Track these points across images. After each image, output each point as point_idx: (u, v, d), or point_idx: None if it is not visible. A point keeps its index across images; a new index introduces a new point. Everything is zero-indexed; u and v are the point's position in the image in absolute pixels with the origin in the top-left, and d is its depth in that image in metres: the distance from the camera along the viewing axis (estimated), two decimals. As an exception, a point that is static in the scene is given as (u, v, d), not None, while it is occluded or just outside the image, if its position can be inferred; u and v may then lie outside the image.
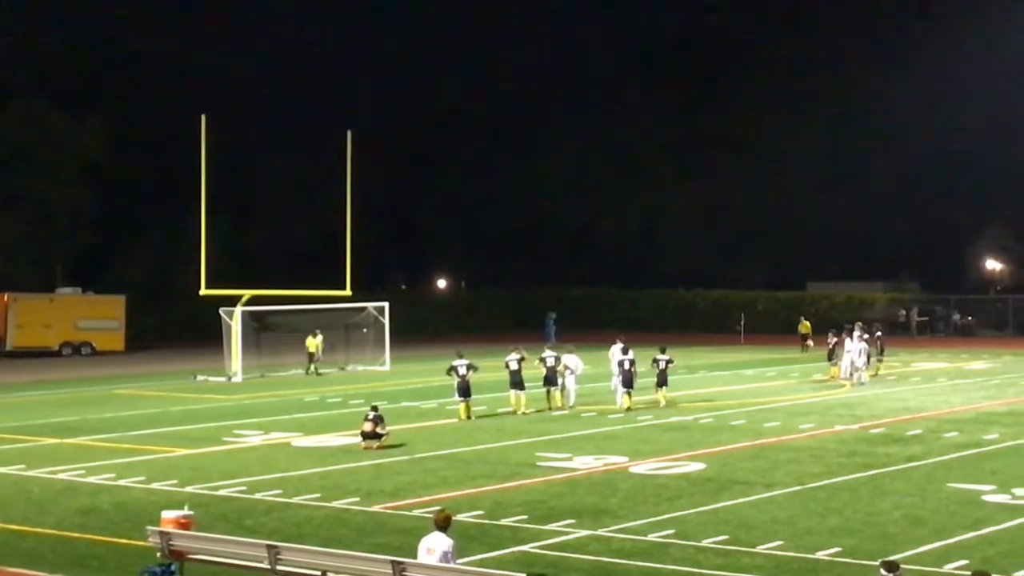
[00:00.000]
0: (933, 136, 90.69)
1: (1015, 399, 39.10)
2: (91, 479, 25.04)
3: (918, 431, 31.15)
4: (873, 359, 46.07)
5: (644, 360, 38.40)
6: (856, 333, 45.55)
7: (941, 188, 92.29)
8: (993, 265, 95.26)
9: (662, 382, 37.15)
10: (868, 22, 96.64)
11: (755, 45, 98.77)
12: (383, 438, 28.64)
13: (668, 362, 37.35)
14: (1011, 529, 19.76)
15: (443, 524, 14.41)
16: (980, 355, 58.91)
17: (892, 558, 14.55)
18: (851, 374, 44.72)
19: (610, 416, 34.62)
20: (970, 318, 77.70)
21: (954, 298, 79.08)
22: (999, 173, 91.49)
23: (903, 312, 78.21)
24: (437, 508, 16.64)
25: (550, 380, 36.35)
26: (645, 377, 38.63)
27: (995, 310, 79.18)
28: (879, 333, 47.31)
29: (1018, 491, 22.69)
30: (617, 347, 38.69)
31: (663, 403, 36.57)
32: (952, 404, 37.59)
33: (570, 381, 36.72)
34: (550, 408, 36.01)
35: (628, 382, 36.19)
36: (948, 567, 17.34)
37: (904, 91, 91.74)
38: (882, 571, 12.90)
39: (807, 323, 63.38)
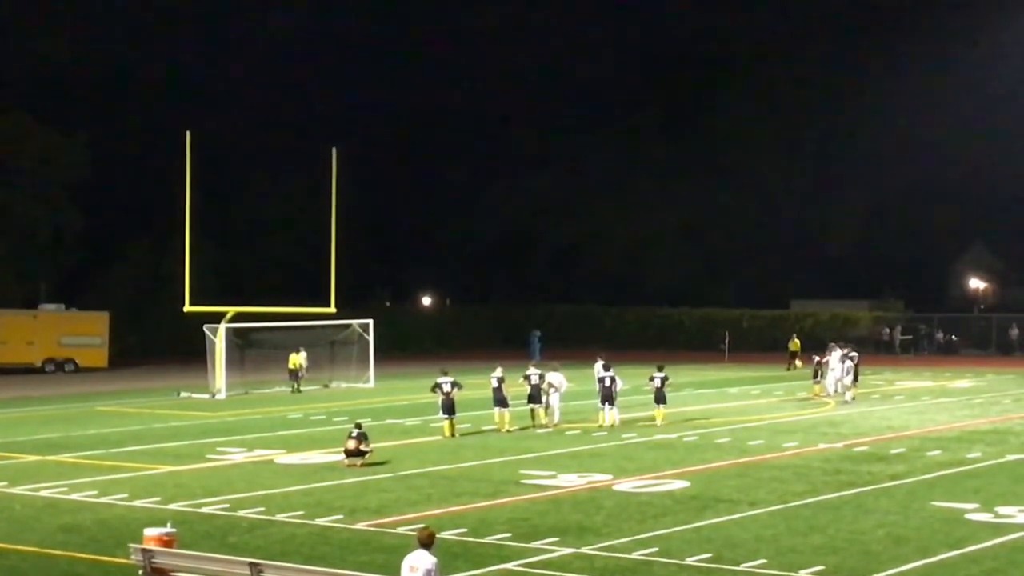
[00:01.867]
0: (917, 156, 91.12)
1: (998, 418, 39.19)
2: (73, 496, 24.94)
3: (902, 449, 31.20)
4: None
5: (632, 378, 38.31)
6: (840, 351, 45.75)
7: (925, 207, 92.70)
8: (976, 284, 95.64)
9: (660, 399, 36.93)
10: (852, 43, 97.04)
11: (740, 65, 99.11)
12: (367, 455, 28.58)
13: (664, 379, 37.08)
14: (994, 547, 19.78)
15: (427, 542, 14.38)
16: (964, 374, 59.04)
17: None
18: (834, 391, 45.01)
19: (594, 434, 34.61)
20: (953, 336, 77.92)
21: (938, 316, 79.33)
22: (982, 193, 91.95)
23: (887, 330, 78.45)
24: (421, 526, 16.61)
25: (534, 398, 36.33)
26: (628, 395, 38.56)
27: (978, 329, 79.45)
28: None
29: (1001, 509, 22.74)
30: (599, 364, 38.74)
31: (660, 421, 36.45)
32: (936, 422, 37.65)
33: (554, 399, 36.68)
34: (534, 426, 36.00)
35: (608, 398, 36.15)
36: (931, 585, 17.38)
37: (888, 112, 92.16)
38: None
39: (797, 341, 63.46)
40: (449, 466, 28.77)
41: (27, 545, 20.33)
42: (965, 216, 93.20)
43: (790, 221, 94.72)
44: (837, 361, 45.60)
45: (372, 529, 21.45)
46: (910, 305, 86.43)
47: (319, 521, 22.08)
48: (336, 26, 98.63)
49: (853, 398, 44.11)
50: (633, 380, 43.81)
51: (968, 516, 22.28)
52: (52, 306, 67.91)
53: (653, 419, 36.74)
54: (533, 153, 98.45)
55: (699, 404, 43.77)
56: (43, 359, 64.23)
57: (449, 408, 34.27)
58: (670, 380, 37.95)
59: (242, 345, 53.38)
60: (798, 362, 60.57)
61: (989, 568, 18.42)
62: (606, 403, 36.18)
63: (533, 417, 36.31)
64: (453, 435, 34.11)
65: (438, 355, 68.56)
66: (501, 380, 35.47)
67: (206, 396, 48.52)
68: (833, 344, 47.81)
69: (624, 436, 33.99)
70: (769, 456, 30.14)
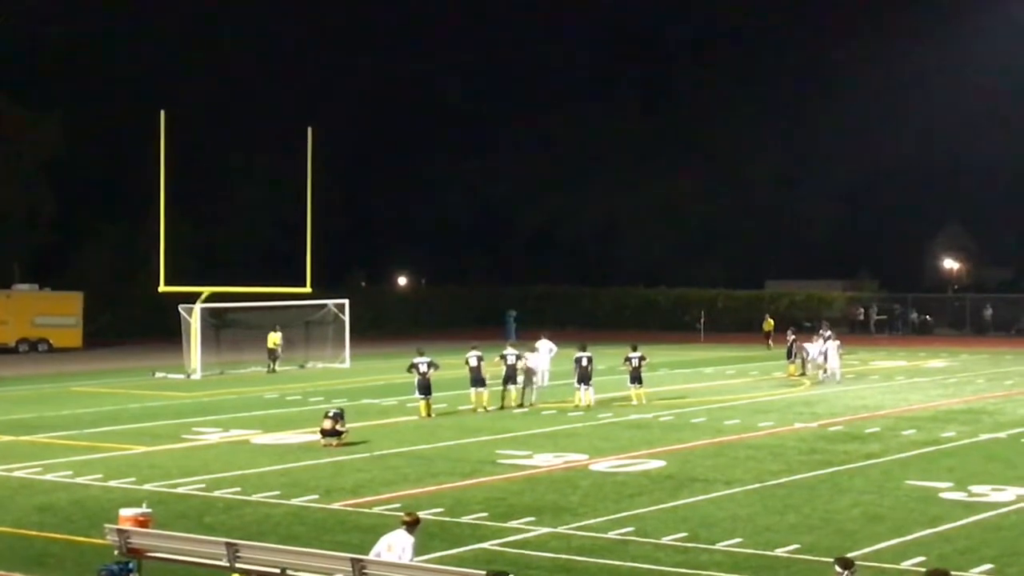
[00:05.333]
0: (892, 136, 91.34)
1: (972, 397, 39.40)
2: (48, 477, 24.86)
3: (876, 429, 31.34)
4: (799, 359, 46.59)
5: (607, 358, 38.30)
6: (822, 332, 46.31)
7: (900, 188, 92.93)
8: (951, 264, 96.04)
9: (636, 379, 36.96)
10: (828, 23, 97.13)
11: (714, 44, 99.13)
12: (343, 435, 28.58)
13: (641, 359, 37.06)
14: (968, 526, 19.92)
15: (412, 525, 14.52)
16: (938, 354, 59.30)
17: (849, 555, 14.64)
18: (805, 372, 45.44)
19: (570, 414, 34.65)
20: (928, 317, 78.22)
21: (912, 297, 79.56)
22: (957, 173, 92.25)
23: (862, 310, 78.68)
24: (397, 505, 16.64)
25: (510, 378, 36.34)
26: (603, 375, 38.57)
27: (953, 309, 79.72)
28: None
29: (974, 488, 22.88)
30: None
31: (637, 401, 36.46)
32: (910, 402, 37.83)
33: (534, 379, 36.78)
34: (511, 405, 36.00)
35: (585, 378, 36.17)
36: (906, 564, 17.47)
37: (864, 92, 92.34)
38: (836, 568, 12.96)
39: (771, 321, 63.87)
40: (425, 446, 28.78)
41: (2, 526, 20.27)
42: (940, 197, 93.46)
43: (765, 201, 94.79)
44: (815, 341, 45.91)
45: (348, 509, 21.46)
46: (885, 285, 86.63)
47: (295, 501, 22.07)
48: (313, 5, 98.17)
49: (823, 378, 44.20)
50: (608, 361, 43.88)
51: (942, 495, 22.41)
52: (25, 286, 67.45)
53: (629, 399, 36.81)
54: (508, 133, 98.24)
55: (674, 384, 43.86)
56: (17, 339, 63.85)
57: (425, 388, 34.27)
58: (647, 360, 37.98)
59: (217, 325, 53.22)
60: (771, 342, 60.95)
61: (963, 546, 18.54)
62: (582, 383, 36.23)
63: (509, 397, 36.30)
64: (429, 415, 34.12)
65: (414, 335, 68.45)
66: (480, 359, 35.50)
67: (181, 376, 48.38)
68: (794, 327, 48.59)
69: (600, 416, 34.05)
70: (745, 436, 30.25)
